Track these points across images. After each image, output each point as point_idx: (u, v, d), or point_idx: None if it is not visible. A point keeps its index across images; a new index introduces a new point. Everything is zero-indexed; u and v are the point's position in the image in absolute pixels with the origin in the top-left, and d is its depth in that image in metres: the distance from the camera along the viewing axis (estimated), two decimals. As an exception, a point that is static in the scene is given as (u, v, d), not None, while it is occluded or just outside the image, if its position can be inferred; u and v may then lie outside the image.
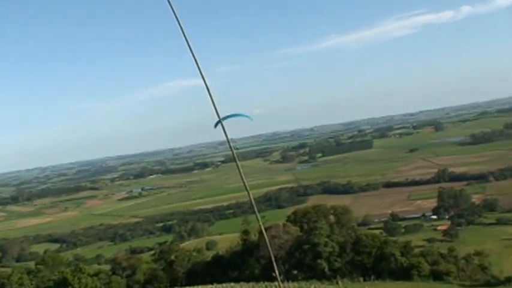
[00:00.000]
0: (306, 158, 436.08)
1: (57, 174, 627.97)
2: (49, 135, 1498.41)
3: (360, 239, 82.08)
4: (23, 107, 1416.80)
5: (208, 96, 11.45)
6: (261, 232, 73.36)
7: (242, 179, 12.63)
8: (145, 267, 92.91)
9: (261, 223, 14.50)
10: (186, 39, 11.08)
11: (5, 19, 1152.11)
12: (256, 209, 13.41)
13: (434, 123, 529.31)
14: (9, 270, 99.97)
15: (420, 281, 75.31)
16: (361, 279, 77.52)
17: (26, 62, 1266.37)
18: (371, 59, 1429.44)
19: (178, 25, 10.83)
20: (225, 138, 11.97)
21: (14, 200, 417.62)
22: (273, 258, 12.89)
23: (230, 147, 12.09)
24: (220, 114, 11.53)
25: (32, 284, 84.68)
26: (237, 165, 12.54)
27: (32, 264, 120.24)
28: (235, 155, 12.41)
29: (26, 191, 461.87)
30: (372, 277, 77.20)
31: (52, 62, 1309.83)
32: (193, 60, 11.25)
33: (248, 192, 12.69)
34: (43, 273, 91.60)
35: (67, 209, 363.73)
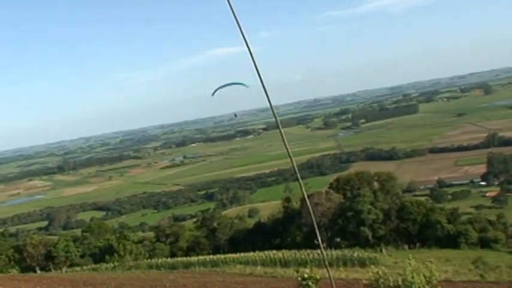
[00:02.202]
0: (348, 124, 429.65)
1: (100, 143, 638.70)
2: (92, 106, 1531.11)
3: (404, 206, 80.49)
4: (66, 79, 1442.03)
5: (252, 62, 10.69)
6: (302, 199, 72.46)
7: (285, 146, 11.77)
8: (188, 235, 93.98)
9: (304, 191, 13.64)
10: (230, 4, 10.23)
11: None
12: (299, 176, 12.61)
13: (484, 86, 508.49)
14: (56, 238, 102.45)
15: (467, 248, 73.40)
16: (406, 246, 76.24)
17: (68, 31, 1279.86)
18: (416, 21, 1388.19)
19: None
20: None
21: (60, 169, 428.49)
22: (315, 226, 11.91)
23: (273, 113, 11.46)
24: (261, 81, 11.10)
25: (78, 251, 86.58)
26: (280, 131, 11.85)
27: (78, 232, 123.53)
28: (278, 121, 11.80)
29: (71, 161, 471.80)
30: (418, 245, 75.78)
31: (93, 31, 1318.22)
32: (236, 25, 10.40)
33: (291, 159, 11.84)
34: (89, 240, 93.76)
35: (111, 177, 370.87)
